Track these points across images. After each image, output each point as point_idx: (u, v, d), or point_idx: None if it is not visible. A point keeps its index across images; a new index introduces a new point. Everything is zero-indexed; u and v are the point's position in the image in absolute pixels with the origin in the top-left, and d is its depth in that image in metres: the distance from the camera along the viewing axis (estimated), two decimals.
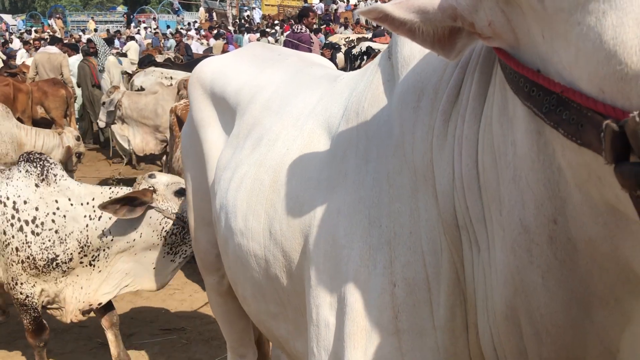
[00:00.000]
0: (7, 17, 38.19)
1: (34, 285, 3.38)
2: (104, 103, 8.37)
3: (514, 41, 0.90)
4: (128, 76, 10.95)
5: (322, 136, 1.55)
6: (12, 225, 3.31)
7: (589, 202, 0.84)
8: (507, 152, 0.96)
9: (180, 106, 5.69)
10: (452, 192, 1.10)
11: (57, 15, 36.11)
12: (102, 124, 8.50)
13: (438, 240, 1.15)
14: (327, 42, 14.89)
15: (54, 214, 3.35)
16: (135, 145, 8.30)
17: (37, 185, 3.38)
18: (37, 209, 3.33)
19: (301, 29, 8.63)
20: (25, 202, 3.33)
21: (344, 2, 27.98)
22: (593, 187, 0.82)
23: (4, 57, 15.96)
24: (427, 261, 1.16)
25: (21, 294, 3.37)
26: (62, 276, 3.42)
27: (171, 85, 8.60)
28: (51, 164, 3.47)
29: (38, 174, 3.39)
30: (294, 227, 1.52)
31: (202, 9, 34.82)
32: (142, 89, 9.15)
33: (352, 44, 14.33)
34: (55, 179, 3.43)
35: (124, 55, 14.57)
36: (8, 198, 3.34)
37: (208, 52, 16.01)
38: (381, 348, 1.21)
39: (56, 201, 3.38)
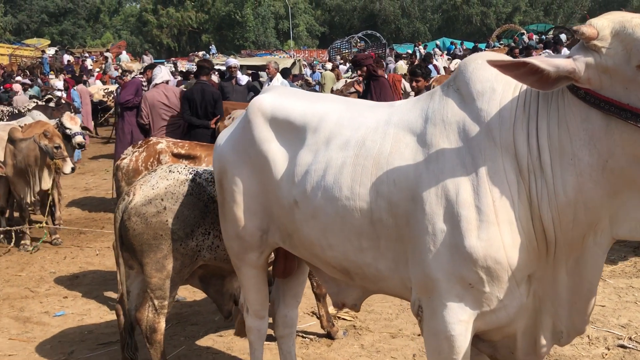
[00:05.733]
0: None
1: None
2: None
3: (599, 86, 2.03)
4: None
5: (406, 136, 2.51)
6: None
7: (626, 153, 2.05)
8: (580, 134, 2.11)
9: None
10: (528, 155, 2.21)
11: None
12: None
13: (516, 179, 2.24)
14: None
15: None
16: None
17: None
18: None
19: None
20: None
21: None
22: (632, 147, 2.03)
23: None
24: (511, 188, 2.24)
25: None
26: None
27: None
28: None
29: None
30: (401, 186, 2.43)
31: None
32: None
33: None
34: None
35: None
36: None
37: None
38: (488, 232, 2.24)
39: None
